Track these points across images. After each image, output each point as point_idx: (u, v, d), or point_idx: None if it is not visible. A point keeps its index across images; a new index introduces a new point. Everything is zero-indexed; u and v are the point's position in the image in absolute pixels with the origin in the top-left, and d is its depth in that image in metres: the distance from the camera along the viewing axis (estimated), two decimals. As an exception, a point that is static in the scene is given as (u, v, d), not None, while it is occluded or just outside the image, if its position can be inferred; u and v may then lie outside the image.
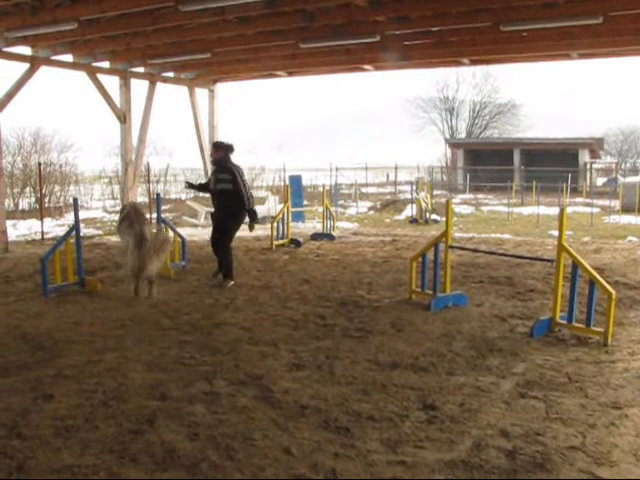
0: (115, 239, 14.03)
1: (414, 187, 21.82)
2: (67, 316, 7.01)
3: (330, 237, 14.03)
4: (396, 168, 43.73)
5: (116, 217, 18.03)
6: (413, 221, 19.14)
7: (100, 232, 15.93)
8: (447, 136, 58.75)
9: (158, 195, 10.38)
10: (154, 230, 8.75)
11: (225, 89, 22.08)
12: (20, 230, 16.18)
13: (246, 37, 12.71)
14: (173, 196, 29.38)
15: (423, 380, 4.91)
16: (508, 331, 6.37)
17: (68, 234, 8.56)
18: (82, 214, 13.74)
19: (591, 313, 5.94)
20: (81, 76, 14.93)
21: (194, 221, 17.46)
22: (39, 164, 17.01)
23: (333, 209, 16.21)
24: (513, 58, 14.90)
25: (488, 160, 41.57)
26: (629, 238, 14.33)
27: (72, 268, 8.44)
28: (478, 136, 58.99)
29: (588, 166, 40.89)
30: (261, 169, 31.97)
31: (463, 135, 60.37)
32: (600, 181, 43.25)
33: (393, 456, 3.66)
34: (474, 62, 15.37)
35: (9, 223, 16.83)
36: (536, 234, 15.72)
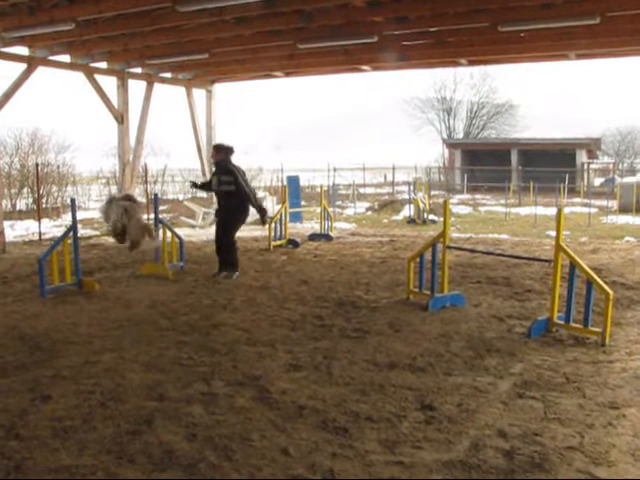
0: (112, 240, 14.03)
1: (412, 187, 21.84)
2: (65, 317, 7.00)
3: (328, 238, 14.03)
4: (394, 168, 43.75)
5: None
6: (411, 221, 19.15)
7: (98, 233, 15.91)
8: (445, 136, 58.80)
9: (156, 196, 10.38)
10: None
11: (223, 90, 22.10)
12: (17, 231, 16.17)
13: (244, 38, 12.70)
14: (171, 197, 29.40)
15: (421, 380, 4.91)
16: (506, 331, 6.37)
17: (66, 235, 8.55)
18: (79, 215, 13.71)
19: (589, 313, 5.94)
20: (78, 77, 14.93)
21: (192, 222, 17.45)
22: (36, 165, 17.03)
23: (331, 210, 16.21)
24: (511, 58, 14.91)
25: (486, 160, 41.63)
26: (626, 238, 14.34)
27: (70, 269, 8.43)
28: (476, 136, 59.07)
29: (585, 166, 40.96)
30: (259, 170, 31.98)
31: (461, 135, 60.42)
32: (597, 181, 43.32)
33: (391, 456, 3.66)
34: (472, 62, 15.38)
35: (6, 224, 16.79)
36: (534, 234, 15.74)
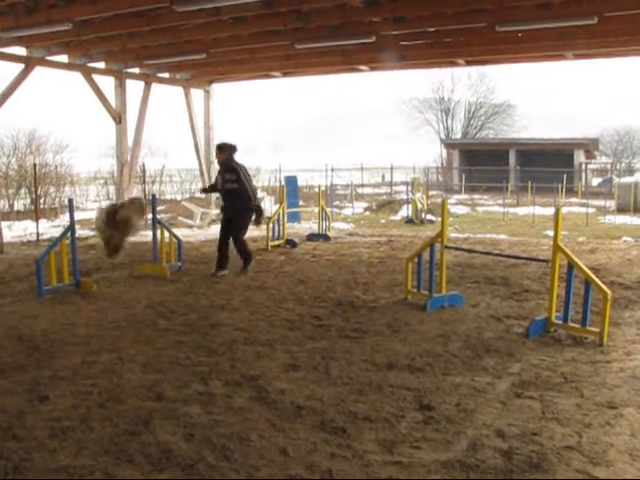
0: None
1: (410, 187, 21.85)
2: (63, 317, 6.99)
3: (326, 238, 14.03)
4: (392, 168, 43.79)
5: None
6: (409, 221, 19.15)
7: (95, 233, 15.89)
8: (443, 136, 58.88)
9: (154, 196, 10.37)
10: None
11: (221, 90, 22.09)
12: (15, 231, 16.14)
13: (241, 38, 12.70)
14: (169, 197, 29.39)
15: (419, 380, 4.91)
16: (504, 331, 6.37)
17: (63, 235, 8.55)
18: (77, 215, 13.66)
19: (587, 313, 5.95)
20: (76, 77, 14.92)
21: (190, 222, 17.44)
22: (34, 165, 17.01)
23: (329, 210, 16.21)
24: (508, 59, 14.91)
25: (483, 160, 41.67)
26: (624, 238, 14.35)
27: (67, 269, 8.42)
28: (474, 136, 59.12)
29: (583, 166, 41.03)
30: (257, 170, 31.99)
31: (459, 135, 60.49)
32: (595, 181, 43.40)
33: (389, 456, 3.66)
34: (470, 63, 15.39)
35: (4, 224, 16.77)
36: (532, 234, 15.76)
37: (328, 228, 14.62)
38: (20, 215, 19.96)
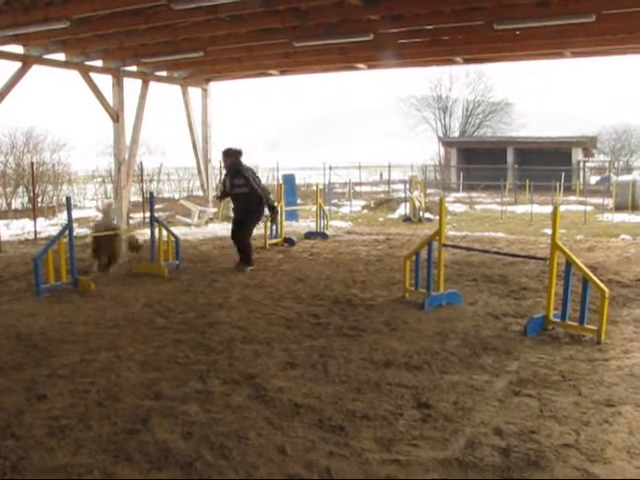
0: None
1: (408, 186, 21.84)
2: (61, 316, 6.99)
3: (324, 236, 14.03)
4: (389, 167, 43.81)
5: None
6: (407, 220, 19.15)
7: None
8: (440, 135, 58.84)
9: (151, 194, 10.36)
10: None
11: (219, 88, 22.06)
12: (13, 230, 16.12)
13: (239, 36, 12.68)
14: (166, 195, 29.35)
15: (417, 379, 4.91)
16: (502, 329, 6.38)
17: (61, 234, 8.54)
18: (75, 213, 13.68)
19: (584, 311, 5.96)
20: (74, 75, 14.88)
21: (188, 220, 17.42)
22: (32, 163, 16.96)
23: (327, 208, 16.20)
24: (506, 57, 14.90)
25: (481, 159, 41.64)
26: (622, 236, 14.37)
27: (65, 268, 8.42)
28: (471, 135, 59.06)
29: (581, 164, 41.01)
30: (255, 168, 31.84)
31: (456, 134, 60.43)
32: (593, 179, 43.40)
33: (387, 455, 3.66)
34: (468, 61, 15.39)
35: (2, 223, 16.83)
36: (529, 232, 15.77)
37: (326, 226, 14.62)
38: (18, 213, 19.93)
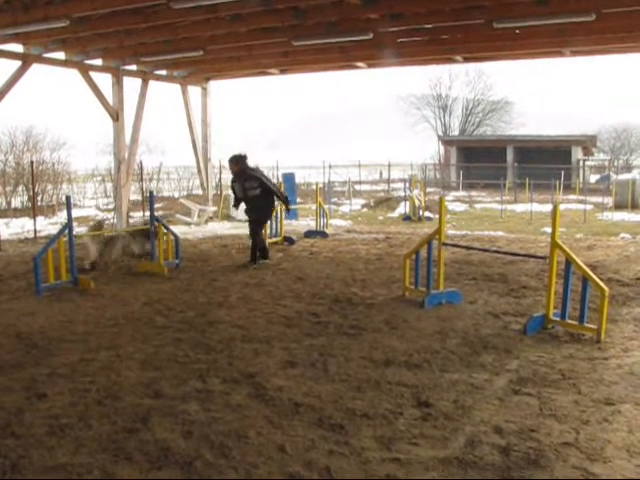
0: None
1: (407, 184, 21.84)
2: (60, 314, 6.99)
3: (323, 235, 14.03)
4: (389, 165, 43.82)
5: (109, 215, 18.02)
6: (406, 218, 19.15)
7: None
8: (440, 133, 58.82)
9: (151, 193, 10.37)
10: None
11: (218, 87, 22.05)
12: (13, 228, 16.13)
13: (239, 35, 12.67)
14: (166, 194, 29.35)
15: (417, 377, 4.91)
16: (502, 328, 6.38)
17: (61, 232, 8.54)
18: (75, 212, 13.68)
19: (584, 310, 5.96)
20: (73, 74, 14.86)
21: (187, 219, 17.42)
22: (31, 162, 16.95)
23: (326, 207, 16.20)
24: (506, 55, 14.86)
25: (481, 157, 41.65)
26: (622, 235, 14.37)
27: (65, 266, 8.42)
28: (471, 133, 59.05)
29: (581, 163, 41.02)
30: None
31: (456, 132, 60.41)
32: (593, 178, 43.39)
33: (387, 453, 3.66)
34: (467, 59, 15.37)
35: (1, 221, 16.85)
36: (529, 231, 15.77)
37: (326, 225, 14.63)
38: (18, 212, 19.93)
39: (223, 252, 11.81)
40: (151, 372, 5.06)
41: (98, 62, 15.01)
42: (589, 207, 20.96)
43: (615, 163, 50.74)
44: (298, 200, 21.37)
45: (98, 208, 23.21)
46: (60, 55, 14.15)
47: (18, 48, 13.26)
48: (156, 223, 9.88)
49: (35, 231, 14.54)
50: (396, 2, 10.48)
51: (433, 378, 4.90)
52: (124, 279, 9.15)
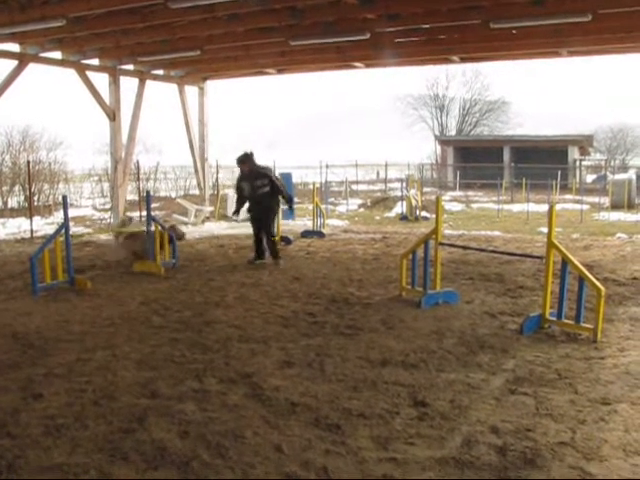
0: (104, 237, 14.01)
1: (404, 184, 21.85)
2: (57, 314, 6.98)
3: (320, 234, 14.03)
4: (386, 165, 43.81)
5: (106, 215, 17.99)
6: (403, 218, 19.16)
7: (90, 230, 15.88)
8: (437, 133, 58.81)
9: (148, 193, 10.37)
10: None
11: (215, 87, 22.01)
12: (9, 228, 16.10)
13: (236, 34, 12.68)
14: (163, 194, 29.31)
15: (413, 377, 4.91)
16: (498, 328, 6.39)
17: (57, 232, 8.52)
18: (71, 212, 13.67)
19: (580, 310, 5.96)
20: (70, 73, 14.86)
21: (184, 219, 17.41)
22: (28, 162, 16.96)
23: (323, 206, 16.21)
24: (503, 55, 14.90)
25: (478, 157, 41.67)
26: (618, 235, 14.38)
27: (62, 266, 8.40)
28: (468, 133, 59.09)
29: (577, 163, 41.07)
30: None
31: (453, 132, 60.42)
32: (589, 178, 43.44)
33: (384, 453, 3.66)
34: (464, 60, 15.42)
35: (-2, 221, 16.76)
36: (526, 231, 15.78)
37: (322, 225, 14.63)
38: (14, 212, 19.90)
39: (220, 252, 11.81)
40: (147, 372, 5.06)
41: (95, 62, 15.01)
42: (585, 207, 20.99)
43: (611, 163, 50.79)
44: (295, 200, 21.36)
45: (95, 208, 23.16)
46: (57, 55, 14.15)
47: (15, 48, 13.26)
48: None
49: (32, 231, 14.52)
50: (393, 2, 10.50)
51: (430, 378, 4.90)
52: (121, 279, 9.14)
